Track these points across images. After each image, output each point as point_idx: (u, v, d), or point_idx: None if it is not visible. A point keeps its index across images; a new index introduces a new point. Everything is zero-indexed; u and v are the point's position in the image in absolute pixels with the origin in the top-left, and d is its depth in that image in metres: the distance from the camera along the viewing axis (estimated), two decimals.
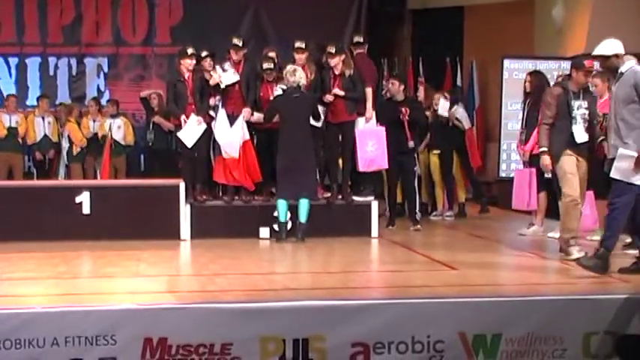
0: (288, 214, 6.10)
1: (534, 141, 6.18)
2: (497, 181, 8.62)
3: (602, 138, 5.08)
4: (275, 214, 6.15)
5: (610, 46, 4.55)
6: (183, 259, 5.80)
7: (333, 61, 6.27)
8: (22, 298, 4.11)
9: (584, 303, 4.02)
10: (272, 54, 6.56)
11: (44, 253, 5.53)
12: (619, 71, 4.52)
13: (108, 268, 5.07)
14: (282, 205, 6.06)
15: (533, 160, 6.19)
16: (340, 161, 6.54)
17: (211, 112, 6.45)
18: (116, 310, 3.83)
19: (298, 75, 6.01)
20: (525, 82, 6.39)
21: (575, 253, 4.84)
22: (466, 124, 7.79)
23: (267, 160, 6.33)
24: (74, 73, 9.62)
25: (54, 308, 3.81)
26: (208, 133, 6.38)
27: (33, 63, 9.57)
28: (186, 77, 6.41)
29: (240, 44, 6.38)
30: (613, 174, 4.40)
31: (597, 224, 5.66)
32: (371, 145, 6.40)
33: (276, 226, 6.17)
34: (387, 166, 6.66)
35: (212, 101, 6.42)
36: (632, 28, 7.52)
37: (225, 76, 6.30)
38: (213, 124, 6.38)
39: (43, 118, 8.44)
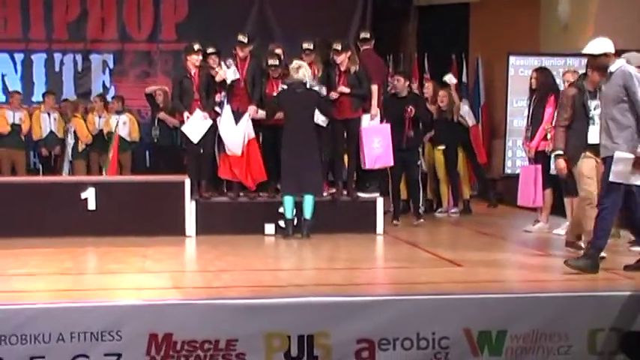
0: (294, 211, 6.09)
1: (540, 138, 6.17)
2: (503, 178, 8.59)
3: None
4: (281, 210, 6.15)
5: (599, 45, 4.51)
6: (188, 256, 5.80)
7: (339, 58, 6.24)
8: (27, 294, 4.12)
9: (590, 300, 4.01)
10: (278, 50, 6.54)
11: (49, 249, 5.53)
12: (608, 71, 4.49)
13: (113, 264, 5.07)
14: (288, 201, 6.06)
15: (538, 157, 6.18)
16: (345, 158, 6.53)
17: (217, 109, 6.45)
18: (121, 305, 3.83)
19: (302, 72, 6.00)
20: (531, 78, 6.36)
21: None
22: (470, 121, 7.77)
23: (272, 156, 6.32)
24: (79, 69, 9.62)
25: (59, 304, 3.81)
26: (214, 130, 6.38)
27: (38, 59, 9.57)
28: (192, 73, 6.41)
29: (246, 41, 6.37)
30: (612, 178, 4.38)
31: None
32: (377, 142, 6.39)
33: (281, 223, 6.17)
34: (392, 164, 6.65)
35: (218, 97, 6.42)
36: (638, 24, 7.47)
37: (228, 72, 6.28)
38: (218, 120, 6.38)
39: (48, 114, 8.44)
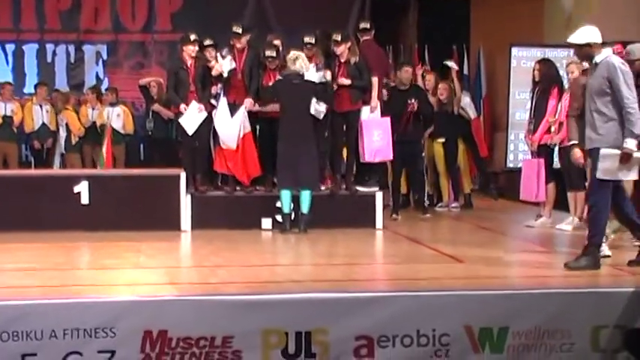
0: (292, 205, 6.02)
1: (543, 131, 6.10)
2: (505, 172, 8.51)
3: None
4: (278, 204, 6.08)
5: (583, 35, 4.42)
6: (183, 251, 5.75)
7: (338, 49, 6.16)
8: (19, 290, 4.04)
9: (593, 296, 3.96)
10: (277, 41, 6.45)
11: (42, 243, 5.47)
12: (593, 61, 4.41)
13: (107, 259, 5.01)
14: (285, 195, 5.99)
15: (541, 150, 6.10)
16: (344, 151, 6.46)
17: (212, 101, 6.36)
18: (115, 302, 3.78)
19: (299, 63, 5.91)
20: (534, 70, 6.27)
21: (606, 250, 4.75)
22: (472, 113, 7.70)
23: (269, 149, 6.24)
24: (72, 60, 9.51)
25: (52, 300, 3.75)
26: (209, 122, 6.30)
27: (30, 50, 9.46)
28: (188, 64, 6.33)
29: (240, 31, 6.28)
30: (600, 175, 4.33)
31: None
32: (376, 135, 6.33)
33: (278, 217, 6.11)
34: (391, 157, 6.60)
35: (214, 89, 6.33)
36: None
37: (224, 64, 6.19)
38: (214, 112, 6.30)
39: (40, 106, 8.33)
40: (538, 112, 6.12)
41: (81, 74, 9.50)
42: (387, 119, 6.47)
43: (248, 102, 6.23)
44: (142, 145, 8.55)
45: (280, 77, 6.10)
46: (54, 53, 9.48)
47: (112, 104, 8.39)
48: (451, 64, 7.58)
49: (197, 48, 6.31)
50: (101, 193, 6.13)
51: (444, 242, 5.55)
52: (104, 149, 8.01)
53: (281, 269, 4.80)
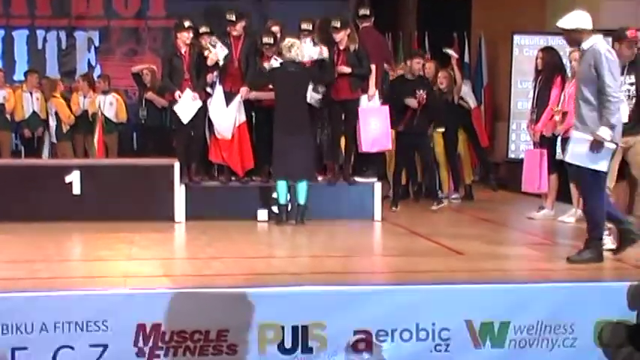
0: (288, 196, 5.93)
1: (545, 120, 6.01)
2: (506, 162, 8.43)
3: None
4: (274, 195, 6.01)
5: (571, 20, 4.32)
6: (177, 242, 5.68)
7: (338, 36, 6.06)
8: (9, 282, 3.96)
9: (596, 290, 3.92)
10: (275, 28, 6.34)
11: (32, 234, 5.39)
12: (581, 48, 4.32)
13: (99, 250, 4.94)
14: (281, 186, 5.90)
15: (544, 141, 6.03)
16: (343, 140, 6.37)
17: (208, 89, 6.26)
18: (108, 294, 3.72)
19: (294, 50, 5.81)
20: (537, 58, 6.18)
21: (609, 243, 4.69)
22: (471, 102, 7.61)
23: (265, 139, 6.15)
24: (64, 47, 9.37)
25: (42, 293, 3.68)
26: (205, 111, 6.21)
27: (20, 36, 9.30)
28: (183, 52, 6.23)
29: (234, 18, 6.17)
30: (568, 158, 4.26)
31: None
32: (374, 124, 6.24)
33: (275, 208, 6.04)
34: (390, 147, 6.55)
35: (210, 77, 6.22)
36: None
37: (218, 52, 6.08)
38: (209, 101, 6.20)
39: (31, 94, 8.18)
40: (541, 102, 6.04)
41: (72, 61, 9.37)
42: (386, 107, 6.38)
43: (243, 91, 6.14)
44: (135, 134, 8.44)
45: (276, 65, 5.99)
46: (44, 39, 9.34)
47: (105, 92, 8.26)
48: (451, 52, 7.49)
49: (192, 35, 6.22)
50: (93, 184, 6.05)
51: (443, 234, 5.49)
52: (96, 138, 7.88)
53: (277, 261, 4.74)
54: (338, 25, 6.05)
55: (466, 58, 9.05)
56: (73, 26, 9.38)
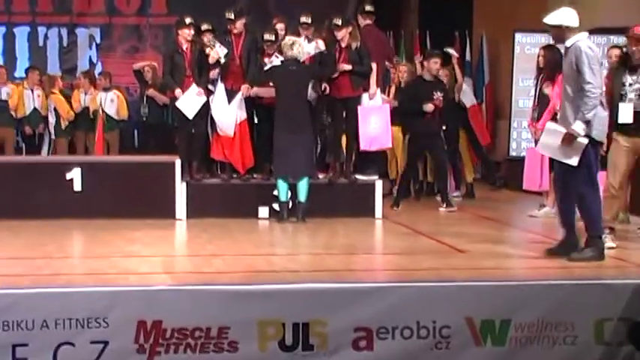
0: (289, 194, 5.92)
1: (547, 118, 5.99)
2: (507, 161, 8.42)
3: None
4: (275, 193, 6.00)
5: (557, 16, 4.31)
6: (178, 240, 5.67)
7: (339, 34, 6.05)
8: (10, 278, 3.96)
9: (597, 288, 3.90)
10: (280, 25, 6.30)
11: (33, 231, 5.38)
12: (565, 45, 4.30)
13: (100, 247, 4.93)
14: (282, 184, 5.90)
15: None
16: (344, 138, 6.35)
17: (210, 87, 6.25)
18: (108, 291, 3.70)
19: (296, 49, 5.79)
20: (538, 56, 6.18)
21: (609, 242, 4.68)
22: (468, 101, 7.60)
23: (267, 136, 6.13)
24: (65, 44, 9.36)
25: (43, 289, 3.67)
26: (207, 108, 6.20)
27: (21, 33, 9.28)
28: (184, 48, 6.22)
29: (232, 17, 6.16)
30: (539, 149, 4.24)
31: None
32: (373, 122, 6.22)
33: (276, 206, 6.02)
34: (390, 146, 6.55)
35: (212, 74, 6.21)
36: None
37: (218, 51, 6.07)
38: (211, 98, 6.19)
39: (32, 91, 8.16)
40: (542, 100, 6.03)
41: (74, 58, 9.36)
42: (387, 106, 6.38)
43: (244, 88, 6.13)
44: (136, 131, 8.42)
45: (277, 63, 5.98)
46: (46, 36, 9.32)
47: (106, 89, 8.25)
48: (451, 51, 7.48)
49: (193, 32, 6.21)
50: (94, 180, 6.04)
51: (444, 232, 5.47)
52: (96, 136, 7.87)
53: (278, 259, 4.73)
54: (340, 22, 6.04)
55: (467, 57, 9.04)
56: (74, 23, 9.37)
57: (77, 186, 6.00)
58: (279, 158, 5.88)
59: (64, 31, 9.35)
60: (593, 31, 5.36)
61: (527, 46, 8.02)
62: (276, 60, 6.03)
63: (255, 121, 6.36)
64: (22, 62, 9.17)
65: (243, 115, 6.16)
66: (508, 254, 4.87)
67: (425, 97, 6.56)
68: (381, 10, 7.06)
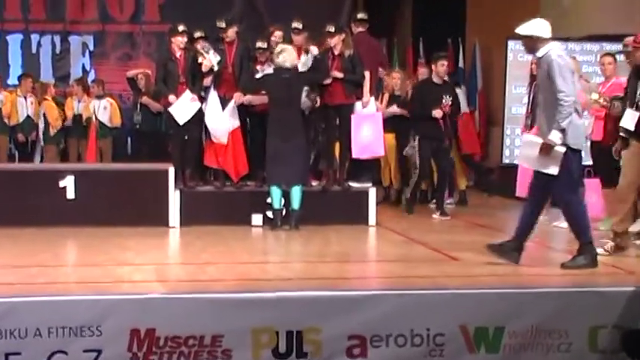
0: (282, 201, 5.93)
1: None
2: (500, 168, 8.44)
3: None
4: (268, 200, 5.99)
5: (529, 27, 4.35)
6: (172, 247, 5.66)
7: (332, 41, 6.07)
8: (3, 287, 3.94)
9: (591, 295, 3.91)
10: (278, 33, 6.29)
11: (27, 239, 5.36)
12: (537, 56, 4.35)
13: (93, 255, 4.91)
14: (275, 191, 5.90)
15: None
16: (337, 146, 6.37)
17: (203, 94, 6.25)
18: (102, 299, 3.69)
19: (283, 57, 5.79)
20: (531, 64, 6.19)
21: (607, 247, 4.70)
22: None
23: (259, 144, 6.14)
24: (58, 51, 9.34)
25: (36, 297, 3.66)
26: (200, 115, 6.19)
27: (14, 40, 9.27)
28: (177, 56, 6.23)
29: (224, 25, 6.18)
30: (518, 160, 4.29)
31: (604, 213, 5.52)
32: (366, 130, 6.23)
33: (269, 213, 6.02)
34: (382, 154, 6.55)
35: (206, 81, 6.21)
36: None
37: (211, 59, 6.08)
38: (204, 106, 6.19)
39: (25, 98, 8.15)
40: (535, 107, 6.05)
41: (67, 65, 9.34)
42: (379, 114, 6.39)
43: (237, 96, 6.13)
44: (129, 139, 8.41)
45: (269, 71, 5.99)
46: (39, 44, 9.30)
47: (99, 97, 8.24)
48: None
49: (186, 39, 6.22)
50: (87, 188, 6.02)
51: (438, 240, 5.48)
52: (86, 143, 7.85)
53: (271, 267, 4.72)
54: (332, 30, 6.07)
55: (461, 64, 9.08)
56: (67, 30, 9.35)
57: (70, 194, 5.98)
58: (272, 165, 5.89)
59: (57, 39, 9.33)
60: (585, 39, 5.42)
61: (520, 54, 8.01)
62: (269, 68, 6.04)
63: (248, 128, 6.38)
64: (15, 69, 9.15)
65: (237, 123, 6.17)
66: (501, 262, 4.88)
67: (434, 101, 6.54)
68: (374, 17, 7.10)
